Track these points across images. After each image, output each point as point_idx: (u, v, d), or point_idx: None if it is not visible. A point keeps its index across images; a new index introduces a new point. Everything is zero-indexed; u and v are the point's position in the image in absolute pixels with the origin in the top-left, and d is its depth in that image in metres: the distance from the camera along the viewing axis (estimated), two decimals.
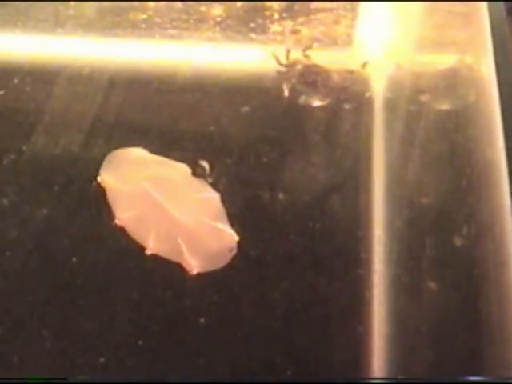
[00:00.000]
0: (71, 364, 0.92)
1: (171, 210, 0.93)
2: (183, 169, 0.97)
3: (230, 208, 0.97)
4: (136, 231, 0.95)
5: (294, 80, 1.02)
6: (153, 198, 0.93)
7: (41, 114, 0.99)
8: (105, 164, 0.96)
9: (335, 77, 1.02)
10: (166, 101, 1.03)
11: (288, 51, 1.02)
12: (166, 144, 0.99)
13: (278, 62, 1.02)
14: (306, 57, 1.03)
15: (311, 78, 1.02)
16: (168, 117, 1.02)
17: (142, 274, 0.95)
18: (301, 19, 1.07)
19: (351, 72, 1.03)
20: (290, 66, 1.02)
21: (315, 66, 1.03)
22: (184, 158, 0.97)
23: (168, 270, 0.94)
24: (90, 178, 0.95)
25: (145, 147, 0.95)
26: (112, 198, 0.95)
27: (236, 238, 0.96)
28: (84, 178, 0.96)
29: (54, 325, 0.93)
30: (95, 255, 0.94)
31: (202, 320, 0.95)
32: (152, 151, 0.96)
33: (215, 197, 0.96)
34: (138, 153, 0.97)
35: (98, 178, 0.95)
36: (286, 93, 1.02)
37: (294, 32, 1.07)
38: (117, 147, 0.96)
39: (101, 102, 1.00)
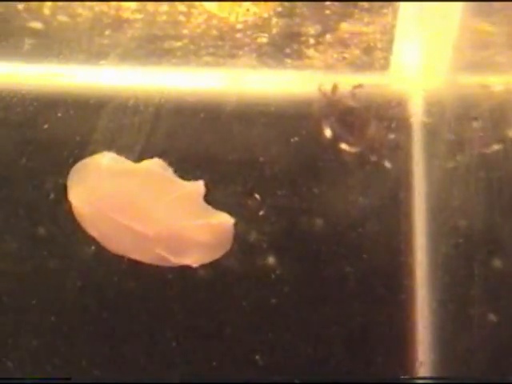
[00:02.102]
0: None
1: (135, 226, 0.90)
2: (150, 170, 0.93)
3: (275, 235, 0.97)
4: (112, 248, 0.93)
5: (333, 119, 1.02)
6: (112, 220, 0.90)
7: (86, 147, 0.98)
8: (71, 175, 0.93)
9: (374, 123, 1.02)
10: (213, 130, 1.02)
11: (335, 86, 1.02)
12: (216, 174, 0.99)
13: (324, 96, 1.02)
14: (352, 95, 1.02)
15: (350, 120, 1.02)
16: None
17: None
18: (336, 44, 1.06)
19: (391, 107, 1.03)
20: (334, 102, 1.02)
21: (356, 109, 1.02)
22: (233, 188, 0.97)
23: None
24: None
25: (193, 178, 0.94)
26: (77, 215, 0.93)
27: (228, 220, 0.93)
28: None
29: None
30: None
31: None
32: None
33: (190, 190, 0.93)
34: (106, 161, 0.94)
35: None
36: (327, 130, 1.02)
37: (330, 57, 1.06)
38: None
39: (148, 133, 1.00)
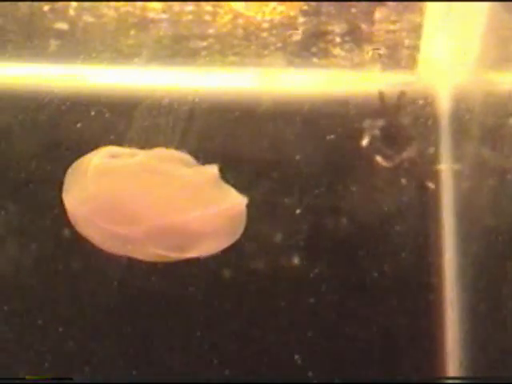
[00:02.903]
0: None
1: (119, 230, 0.86)
2: (143, 163, 0.90)
3: (311, 234, 0.96)
4: (108, 250, 0.90)
5: (375, 130, 1.01)
6: (95, 224, 0.87)
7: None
8: (67, 175, 0.91)
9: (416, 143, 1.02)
10: (248, 130, 1.02)
11: (381, 94, 1.01)
12: (252, 174, 0.98)
13: (382, 101, 1.01)
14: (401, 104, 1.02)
15: (392, 134, 1.01)
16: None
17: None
18: (362, 42, 1.06)
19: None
20: (384, 110, 1.02)
21: (400, 125, 1.02)
22: (269, 187, 0.97)
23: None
24: None
25: (229, 179, 0.94)
26: (70, 219, 0.90)
27: (239, 203, 0.90)
28: None
29: None
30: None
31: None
32: (236, 182, 0.95)
33: (194, 179, 0.90)
34: (96, 159, 0.90)
35: None
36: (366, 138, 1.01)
37: (357, 56, 1.06)
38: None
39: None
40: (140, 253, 0.89)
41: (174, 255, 0.89)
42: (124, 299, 1.01)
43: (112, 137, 0.96)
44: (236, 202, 0.90)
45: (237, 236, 0.92)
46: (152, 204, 0.88)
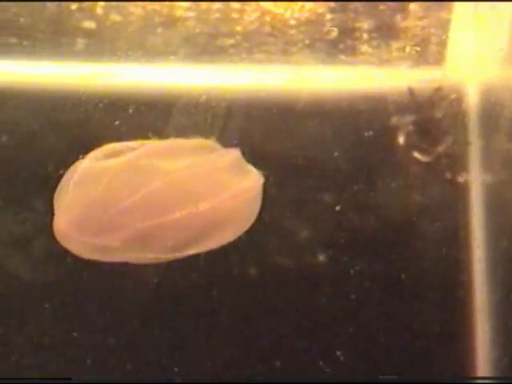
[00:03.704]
0: None
1: (97, 241, 0.83)
2: (131, 162, 0.87)
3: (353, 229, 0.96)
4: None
5: (410, 126, 1.01)
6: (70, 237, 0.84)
7: None
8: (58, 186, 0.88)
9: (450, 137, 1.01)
10: (287, 127, 1.02)
11: (411, 90, 1.01)
12: (290, 171, 0.98)
13: (412, 98, 1.01)
14: (433, 102, 1.02)
15: (425, 129, 1.01)
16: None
17: None
18: (390, 38, 1.06)
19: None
20: (415, 104, 1.02)
21: (434, 120, 1.02)
22: (308, 183, 0.97)
23: None
24: None
25: (266, 175, 0.94)
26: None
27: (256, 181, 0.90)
28: None
29: None
30: None
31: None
32: (275, 180, 0.95)
33: (184, 172, 0.87)
34: (80, 169, 0.87)
35: None
36: (401, 137, 1.01)
37: (385, 52, 1.05)
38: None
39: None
40: (130, 258, 0.87)
41: (167, 257, 0.87)
42: (155, 298, 1.01)
43: (150, 134, 0.96)
44: (244, 185, 0.90)
45: (251, 220, 0.91)
46: (133, 207, 0.85)
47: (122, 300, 0.99)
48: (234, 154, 0.93)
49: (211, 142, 0.95)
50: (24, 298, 0.99)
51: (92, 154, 0.89)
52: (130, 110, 1.02)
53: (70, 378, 0.94)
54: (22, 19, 1.07)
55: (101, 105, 1.02)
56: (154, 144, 0.91)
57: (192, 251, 0.88)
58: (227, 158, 0.92)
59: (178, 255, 0.88)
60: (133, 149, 0.89)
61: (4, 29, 1.06)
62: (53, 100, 1.03)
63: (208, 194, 0.86)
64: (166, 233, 0.85)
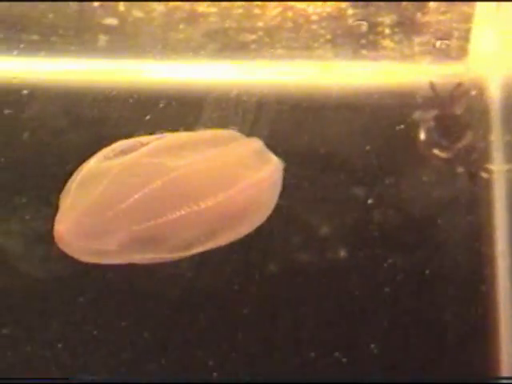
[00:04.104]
0: None
1: (94, 246, 0.82)
2: (133, 162, 0.85)
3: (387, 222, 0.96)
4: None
5: (431, 121, 1.01)
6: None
7: None
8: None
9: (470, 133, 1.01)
10: (338, 121, 1.02)
11: (433, 85, 1.01)
12: (321, 165, 0.98)
13: (434, 92, 1.01)
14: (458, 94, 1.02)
15: (445, 125, 1.01)
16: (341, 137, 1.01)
17: None
18: (412, 33, 1.05)
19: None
20: (437, 100, 1.02)
21: (455, 116, 1.01)
22: (339, 178, 0.97)
23: None
24: None
25: (297, 170, 0.94)
26: None
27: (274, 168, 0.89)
28: None
29: None
30: None
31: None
32: (305, 174, 0.95)
33: (185, 171, 0.84)
34: (82, 173, 0.85)
35: None
36: (421, 130, 1.01)
37: (406, 47, 1.05)
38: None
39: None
40: (138, 259, 0.85)
41: (171, 257, 0.85)
42: (178, 294, 1.01)
43: (182, 129, 0.97)
44: (261, 175, 0.88)
45: (267, 211, 0.90)
46: (130, 209, 0.82)
47: (147, 297, 1.00)
48: (254, 143, 0.93)
49: (232, 132, 0.94)
50: (51, 292, 0.99)
51: (101, 153, 0.88)
52: (161, 105, 1.02)
53: (67, 378, 0.94)
54: (44, 17, 1.08)
55: (131, 100, 1.02)
56: (164, 140, 0.89)
57: (203, 248, 0.87)
58: (246, 147, 0.91)
59: (188, 253, 0.86)
60: (143, 145, 0.88)
61: (27, 26, 1.07)
62: (78, 96, 1.04)
63: (217, 188, 0.85)
64: (167, 233, 0.83)
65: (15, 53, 1.05)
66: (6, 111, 1.02)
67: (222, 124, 0.98)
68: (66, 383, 0.94)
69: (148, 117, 1.00)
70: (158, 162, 0.85)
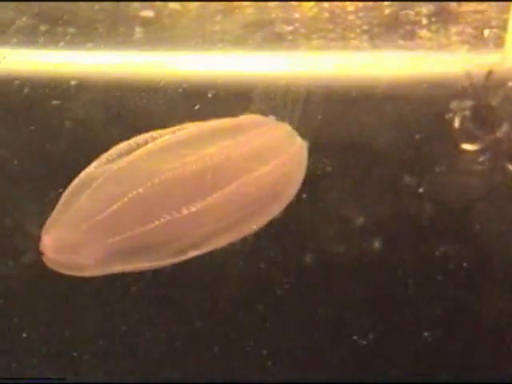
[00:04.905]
0: None
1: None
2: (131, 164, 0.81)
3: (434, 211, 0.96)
4: None
5: (467, 111, 1.01)
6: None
7: None
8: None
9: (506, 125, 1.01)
10: (374, 111, 1.02)
11: (469, 75, 1.01)
12: (369, 158, 0.98)
13: (469, 80, 1.01)
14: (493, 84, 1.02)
15: (481, 115, 1.01)
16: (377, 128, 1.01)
17: None
18: (449, 23, 1.05)
19: None
20: (473, 90, 1.01)
21: (490, 106, 1.01)
22: (389, 168, 0.97)
23: None
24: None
25: (346, 164, 0.94)
26: None
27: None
28: None
29: None
30: None
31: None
32: (358, 162, 0.95)
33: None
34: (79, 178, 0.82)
35: None
36: (455, 120, 1.01)
37: (444, 37, 1.05)
38: (316, 164, 0.95)
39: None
40: (123, 269, 0.82)
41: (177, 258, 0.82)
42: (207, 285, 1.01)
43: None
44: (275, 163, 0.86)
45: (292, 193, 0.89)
46: (106, 221, 0.79)
47: (175, 287, 1.00)
48: (278, 126, 0.91)
49: (259, 117, 0.92)
50: (77, 286, 0.99)
51: (103, 157, 0.84)
52: (209, 95, 1.01)
53: (64, 378, 0.94)
54: (80, 10, 1.08)
55: (180, 90, 1.02)
56: (172, 135, 0.86)
57: (198, 251, 0.83)
58: (268, 131, 0.89)
59: (182, 258, 0.83)
60: (139, 146, 0.84)
61: (63, 19, 1.07)
62: (124, 88, 1.04)
63: (238, 173, 0.83)
64: (151, 241, 0.80)
65: (61, 44, 1.05)
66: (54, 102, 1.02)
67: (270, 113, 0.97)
68: (58, 383, 0.94)
69: (197, 106, 1.00)
70: (146, 166, 0.81)
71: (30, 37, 1.05)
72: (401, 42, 1.06)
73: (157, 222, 0.78)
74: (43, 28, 1.05)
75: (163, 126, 0.88)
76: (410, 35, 1.05)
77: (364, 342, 0.98)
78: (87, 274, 0.81)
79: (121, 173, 0.81)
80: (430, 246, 0.99)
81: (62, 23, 1.07)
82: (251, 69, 1.06)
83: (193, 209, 0.79)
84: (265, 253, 1.00)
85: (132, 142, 0.85)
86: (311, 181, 0.93)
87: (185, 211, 0.79)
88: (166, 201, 0.79)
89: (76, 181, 0.82)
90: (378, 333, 0.99)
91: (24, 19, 1.04)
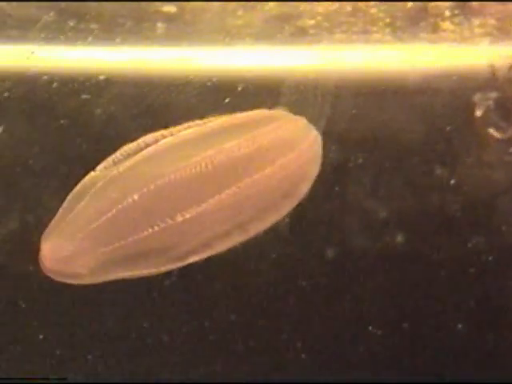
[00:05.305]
0: None
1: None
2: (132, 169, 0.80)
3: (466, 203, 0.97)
4: None
5: (491, 103, 1.01)
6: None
7: None
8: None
9: None
10: (397, 104, 1.02)
11: (492, 67, 1.01)
12: (401, 149, 0.98)
13: (493, 74, 1.01)
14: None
15: (505, 107, 1.01)
16: (400, 121, 1.01)
17: None
18: (472, 15, 1.05)
19: None
20: (496, 82, 1.01)
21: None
22: (419, 158, 0.97)
23: None
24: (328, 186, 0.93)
25: (378, 156, 0.94)
26: None
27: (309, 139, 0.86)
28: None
29: None
30: None
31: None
32: (388, 155, 0.95)
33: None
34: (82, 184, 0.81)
35: None
36: (478, 112, 1.01)
37: (466, 29, 1.05)
38: (348, 156, 0.95)
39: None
40: (121, 276, 0.81)
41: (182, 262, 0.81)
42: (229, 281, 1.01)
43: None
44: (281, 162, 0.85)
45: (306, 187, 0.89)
46: (99, 230, 0.78)
47: (203, 283, 1.00)
48: (294, 120, 0.90)
49: (272, 112, 0.92)
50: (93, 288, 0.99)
51: (109, 159, 0.83)
52: (239, 88, 1.01)
53: (65, 378, 0.94)
54: (102, 6, 1.08)
55: (209, 83, 1.02)
56: (180, 134, 0.85)
57: (196, 257, 0.82)
58: (284, 125, 0.89)
59: (180, 264, 0.81)
60: (147, 145, 0.83)
61: (85, 15, 1.08)
62: (153, 82, 1.04)
63: (252, 169, 0.83)
64: (147, 248, 0.78)
65: (89, 39, 1.06)
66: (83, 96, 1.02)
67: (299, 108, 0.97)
68: (60, 383, 0.94)
69: (227, 99, 1.00)
70: (144, 171, 0.79)
71: (58, 32, 1.05)
72: (423, 34, 1.06)
73: (150, 230, 0.77)
74: (71, 23, 1.06)
75: (192, 120, 0.88)
76: (433, 28, 1.05)
77: (385, 336, 0.99)
78: (85, 282, 0.80)
79: (118, 178, 0.80)
80: (463, 238, 0.99)
81: (88, 19, 1.07)
82: (278, 63, 1.06)
83: (193, 213, 0.78)
84: (287, 248, 1.00)
85: (141, 141, 0.83)
86: (342, 174, 0.94)
87: (179, 218, 0.78)
88: (162, 207, 0.78)
89: (79, 185, 0.81)
90: (400, 329, 1.00)
91: (51, 14, 1.05)
